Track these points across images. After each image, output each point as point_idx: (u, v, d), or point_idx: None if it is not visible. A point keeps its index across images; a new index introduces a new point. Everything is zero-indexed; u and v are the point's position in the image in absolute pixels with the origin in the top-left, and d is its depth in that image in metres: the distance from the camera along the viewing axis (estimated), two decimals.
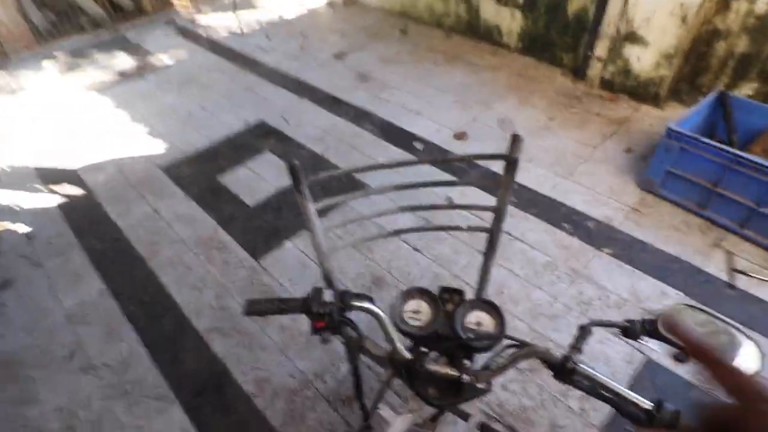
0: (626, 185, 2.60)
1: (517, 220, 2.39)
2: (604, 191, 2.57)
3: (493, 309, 1.17)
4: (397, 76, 3.73)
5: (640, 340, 0.98)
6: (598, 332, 1.87)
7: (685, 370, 1.70)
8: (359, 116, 3.30)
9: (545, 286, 2.08)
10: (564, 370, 0.90)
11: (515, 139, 1.00)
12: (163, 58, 4.22)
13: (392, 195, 2.51)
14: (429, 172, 2.64)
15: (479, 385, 1.02)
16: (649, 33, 2.94)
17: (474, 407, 1.05)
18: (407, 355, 1.02)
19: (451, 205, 1.18)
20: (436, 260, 2.20)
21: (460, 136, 3.06)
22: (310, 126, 3.22)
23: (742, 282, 2.05)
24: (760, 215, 2.11)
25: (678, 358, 0.88)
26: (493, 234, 1.16)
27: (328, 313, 0.92)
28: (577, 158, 2.82)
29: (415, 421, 1.09)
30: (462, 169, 2.71)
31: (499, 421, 1.06)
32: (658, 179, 2.43)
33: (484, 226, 1.15)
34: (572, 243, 2.28)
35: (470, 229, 1.17)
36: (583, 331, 0.96)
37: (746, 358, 0.90)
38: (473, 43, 4.10)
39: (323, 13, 4.93)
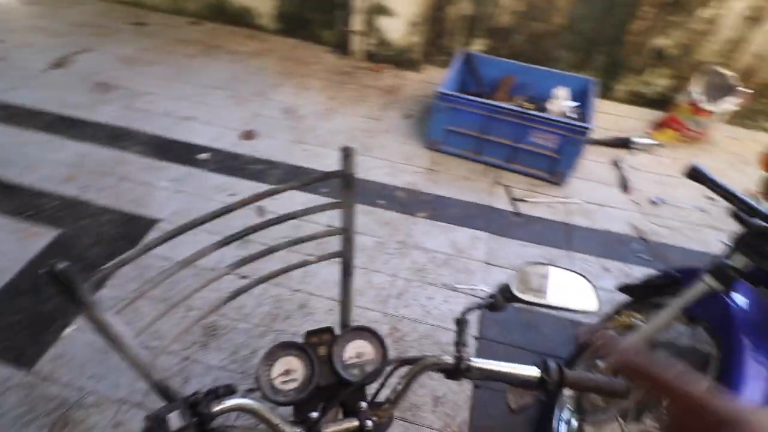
0: (416, 149, 2.81)
1: (335, 212, 2.33)
2: (400, 159, 2.73)
3: (368, 333, 1.08)
4: (149, 78, 3.14)
5: (504, 310, 1.03)
6: (439, 293, 2.01)
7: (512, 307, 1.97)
8: (115, 137, 2.68)
9: (382, 268, 2.11)
10: (460, 371, 0.88)
11: (347, 152, 0.88)
12: None
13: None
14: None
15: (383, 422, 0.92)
16: (395, 4, 3.16)
17: None
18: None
19: (292, 242, 1.01)
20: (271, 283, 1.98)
21: (247, 135, 2.79)
22: (47, 164, 2.46)
23: (521, 207, 2.47)
24: (519, 150, 2.56)
25: (491, 307, 0.96)
26: (346, 257, 1.04)
27: None
28: (366, 133, 2.90)
29: None
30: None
31: None
32: (440, 138, 2.70)
33: (334, 251, 1.03)
34: (392, 216, 2.36)
35: (321, 259, 1.03)
36: (461, 324, 0.94)
37: (584, 299, 1.03)
38: (228, 28, 3.74)
39: (15, 8, 3.76)
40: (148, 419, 0.66)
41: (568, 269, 1.05)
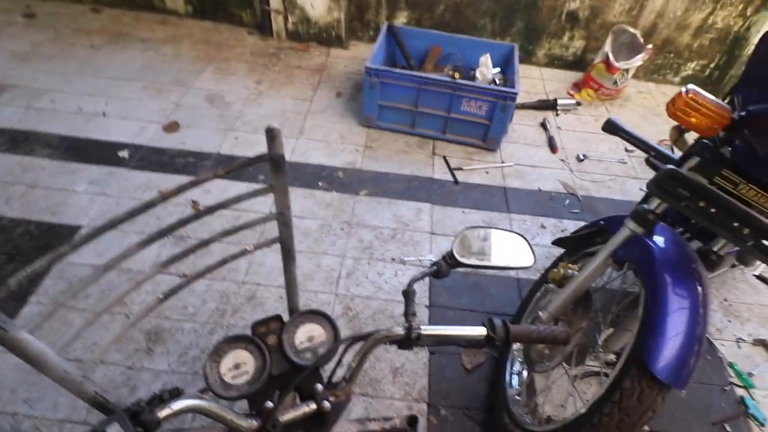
0: (351, 127, 2.78)
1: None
2: (336, 139, 2.68)
3: (317, 315, 1.07)
4: (50, 75, 2.84)
5: (448, 275, 1.06)
6: (388, 268, 2.03)
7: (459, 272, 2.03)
8: (18, 142, 2.41)
9: (329, 249, 2.09)
10: (411, 341, 0.89)
11: (272, 134, 0.85)
12: None
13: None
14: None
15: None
16: None
17: (345, 425, 0.97)
18: (253, 424, 0.82)
19: (226, 232, 0.97)
20: (212, 278, 1.91)
21: (171, 127, 2.62)
22: None
23: (460, 176, 2.53)
24: (452, 120, 2.61)
25: (436, 275, 1.00)
26: (285, 242, 1.01)
27: None
28: (298, 116, 2.82)
29: None
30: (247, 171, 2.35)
31: (371, 420, 1.01)
32: (374, 114, 2.68)
33: (272, 237, 1.00)
34: (333, 198, 2.33)
35: (259, 246, 0.99)
36: (408, 295, 0.96)
37: (522, 256, 1.07)
38: (133, 14, 3.45)
39: None
40: None
41: (504, 229, 1.09)
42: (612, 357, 1.37)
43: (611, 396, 1.08)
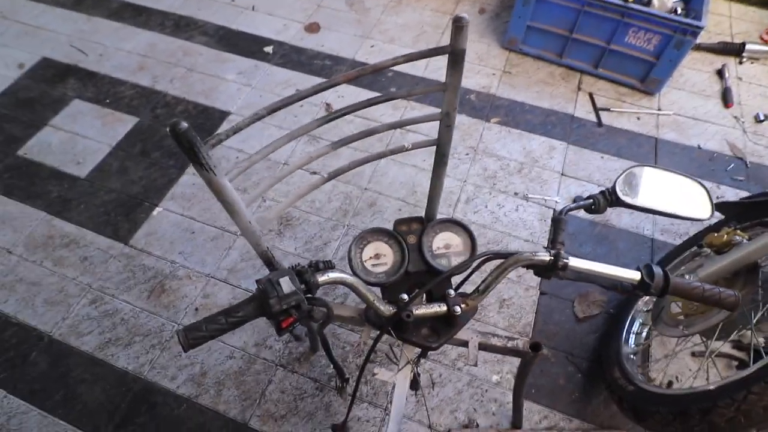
0: (491, 48, 2.58)
1: (401, 112, 2.25)
2: (473, 59, 2.53)
3: (457, 226, 1.07)
4: None
5: (603, 212, 0.97)
6: (509, 201, 1.96)
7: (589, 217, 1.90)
8: (182, 26, 2.62)
9: (451, 172, 2.05)
10: (554, 269, 0.85)
11: (459, 24, 0.79)
12: None
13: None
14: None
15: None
16: None
17: (468, 332, 0.99)
18: (390, 310, 0.87)
19: (392, 125, 0.97)
20: (338, 179, 1.99)
21: (311, 28, 2.66)
22: (119, 53, 2.47)
23: (605, 117, 2.27)
24: (610, 52, 2.29)
25: (586, 209, 0.91)
26: (442, 145, 1.00)
27: (295, 306, 0.70)
28: (436, 30, 2.68)
29: (412, 369, 1.00)
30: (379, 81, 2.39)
31: (494, 335, 1.03)
32: (520, 36, 2.45)
33: (429, 139, 0.98)
34: (462, 120, 2.24)
35: (416, 146, 0.98)
36: (559, 223, 0.90)
37: (696, 205, 0.95)
38: None
39: None
40: (261, 282, 0.69)
41: (681, 174, 0.96)
42: (762, 341, 1.21)
43: (766, 377, 0.97)
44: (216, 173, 0.68)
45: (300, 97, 0.80)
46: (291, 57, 2.49)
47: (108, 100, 2.25)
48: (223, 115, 2.20)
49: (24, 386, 1.48)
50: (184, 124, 0.61)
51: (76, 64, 2.40)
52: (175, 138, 0.62)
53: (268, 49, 2.52)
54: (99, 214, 1.85)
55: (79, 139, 2.10)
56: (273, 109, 0.74)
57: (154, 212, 1.85)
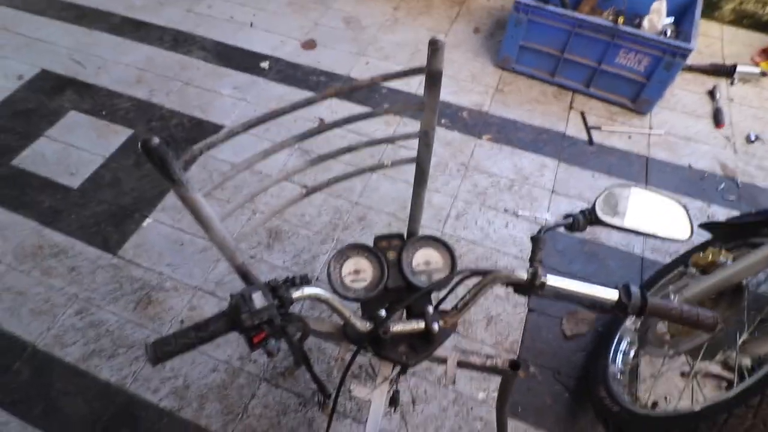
0: (484, 67, 2.62)
1: (393, 128, 2.27)
2: (466, 77, 2.56)
3: (437, 242, 1.07)
4: None
5: (583, 231, 0.98)
6: (499, 218, 1.96)
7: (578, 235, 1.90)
8: (180, 41, 2.66)
9: (441, 188, 2.06)
10: (533, 287, 0.85)
11: (434, 46, 0.81)
12: None
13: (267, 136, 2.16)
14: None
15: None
16: None
17: (447, 349, 0.99)
18: (367, 326, 0.86)
19: (372, 142, 0.98)
20: (329, 193, 2.00)
21: (308, 45, 2.70)
22: (117, 66, 2.51)
23: (597, 136, 2.29)
24: (601, 72, 2.32)
25: (570, 228, 0.91)
26: (422, 163, 1.00)
27: (267, 321, 0.69)
28: None
29: (390, 388, 0.99)
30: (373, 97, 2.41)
31: (474, 353, 1.02)
32: (513, 55, 2.48)
33: (409, 157, 0.99)
34: (454, 137, 2.26)
35: (395, 164, 0.99)
36: (538, 241, 0.91)
37: (676, 226, 0.95)
38: None
39: None
40: (235, 297, 0.69)
41: (661, 193, 0.96)
42: (748, 362, 1.20)
43: (747, 400, 0.96)
44: (189, 188, 0.68)
45: (279, 113, 0.81)
46: (287, 73, 2.53)
47: (104, 112, 2.27)
48: (217, 128, 2.22)
49: (5, 396, 1.46)
50: (156, 140, 0.62)
51: (74, 76, 2.43)
52: (146, 154, 0.62)
53: (264, 64, 2.56)
54: (89, 225, 1.86)
55: (73, 150, 2.11)
56: (249, 125, 0.75)
57: (144, 223, 1.86)
